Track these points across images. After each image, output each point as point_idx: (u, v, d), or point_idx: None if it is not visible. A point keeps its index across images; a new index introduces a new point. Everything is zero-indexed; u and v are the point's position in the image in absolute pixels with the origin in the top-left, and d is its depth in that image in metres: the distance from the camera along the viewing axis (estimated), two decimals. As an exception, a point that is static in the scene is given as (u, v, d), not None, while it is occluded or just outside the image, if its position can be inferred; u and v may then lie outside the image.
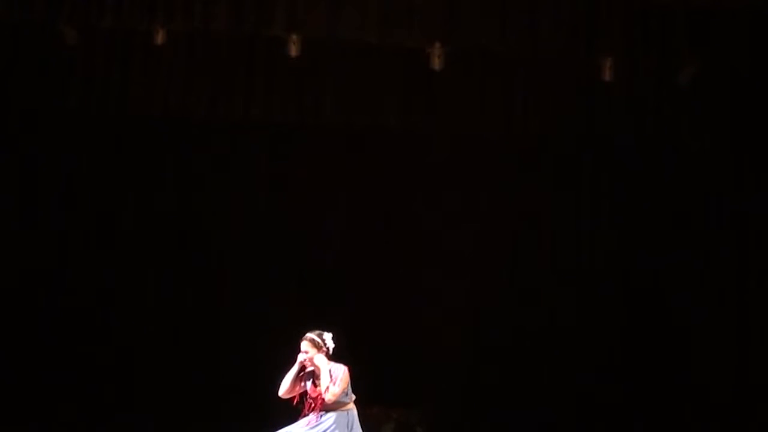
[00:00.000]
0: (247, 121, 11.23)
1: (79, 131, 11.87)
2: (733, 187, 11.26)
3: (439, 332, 11.97)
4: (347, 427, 7.07)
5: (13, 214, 11.59)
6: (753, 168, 11.07)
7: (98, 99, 10.88)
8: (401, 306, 12.04)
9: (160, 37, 10.09)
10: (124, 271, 12.00)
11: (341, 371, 7.03)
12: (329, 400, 6.98)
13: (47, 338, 11.60)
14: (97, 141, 12.01)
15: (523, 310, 11.98)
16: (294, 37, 10.07)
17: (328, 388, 6.97)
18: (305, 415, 7.09)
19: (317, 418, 7.02)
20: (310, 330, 7.18)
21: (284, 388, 7.11)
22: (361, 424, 7.20)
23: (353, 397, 7.16)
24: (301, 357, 7.08)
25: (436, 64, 10.24)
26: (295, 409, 7.21)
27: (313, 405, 7.07)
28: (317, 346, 7.06)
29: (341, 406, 7.06)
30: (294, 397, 7.17)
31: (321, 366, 7.02)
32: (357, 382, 7.29)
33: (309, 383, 7.11)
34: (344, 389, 7.02)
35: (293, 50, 10.17)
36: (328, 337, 7.15)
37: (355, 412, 7.15)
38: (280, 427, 7.10)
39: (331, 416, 7.02)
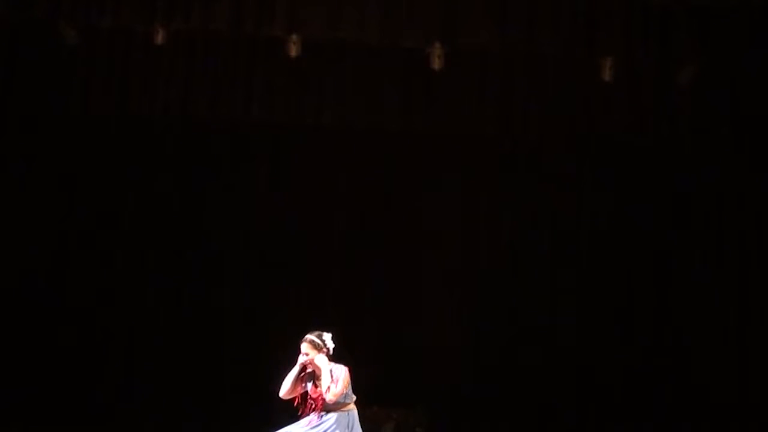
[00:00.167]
0: (247, 121, 11.24)
1: (79, 131, 11.87)
2: (733, 187, 11.25)
3: (439, 332, 11.97)
4: (347, 428, 7.06)
5: (12, 213, 11.58)
6: (753, 168, 11.07)
7: (98, 99, 10.89)
8: (401, 306, 12.05)
9: (160, 37, 10.09)
10: (124, 270, 12.00)
11: (342, 372, 7.03)
12: (330, 400, 6.98)
13: (47, 338, 11.60)
14: (97, 141, 12.01)
15: (523, 310, 11.98)
16: (294, 37, 10.08)
17: (329, 388, 6.96)
18: (306, 415, 7.09)
19: (318, 418, 7.02)
20: (310, 331, 7.17)
21: (285, 389, 7.10)
22: (361, 425, 7.20)
23: (354, 397, 7.16)
24: (301, 359, 7.07)
25: (436, 64, 10.25)
26: (295, 409, 7.20)
27: (313, 405, 7.07)
28: (317, 347, 7.05)
29: (342, 407, 7.05)
30: (295, 397, 7.16)
31: (322, 367, 7.02)
32: (357, 383, 7.28)
33: (310, 384, 7.10)
34: (345, 389, 7.02)
35: (293, 50, 10.18)
36: (327, 337, 7.15)
37: (355, 412, 7.15)
38: (281, 427, 7.09)
39: (331, 416, 7.02)
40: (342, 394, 6.99)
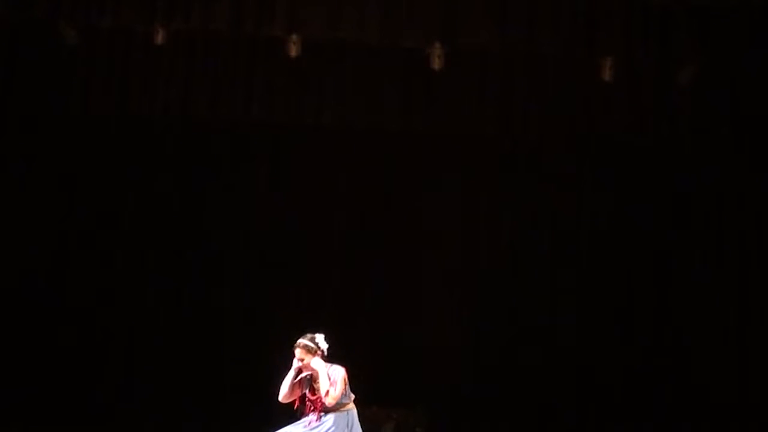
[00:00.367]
0: (247, 121, 11.23)
1: (79, 131, 11.87)
2: (733, 187, 11.25)
3: (439, 332, 11.97)
4: (347, 427, 7.05)
5: (12, 213, 11.58)
6: (753, 168, 11.07)
7: (98, 99, 10.89)
8: (401, 306, 12.05)
9: (160, 37, 10.09)
10: (124, 271, 12.01)
11: (339, 373, 6.99)
12: (330, 404, 6.95)
13: (47, 338, 11.60)
14: (97, 141, 12.01)
15: (523, 310, 11.98)
16: (294, 37, 10.08)
17: (328, 392, 6.93)
18: (305, 416, 7.08)
19: (317, 419, 7.01)
20: (301, 335, 7.11)
21: (283, 394, 7.08)
22: (360, 424, 7.19)
23: (352, 396, 7.14)
24: (296, 363, 7.02)
25: (436, 64, 10.24)
26: (295, 410, 7.19)
27: (312, 407, 7.05)
28: (311, 351, 7.00)
29: (341, 407, 7.04)
30: (294, 401, 7.14)
31: (319, 370, 6.98)
32: (357, 383, 7.28)
33: (307, 386, 7.08)
34: (343, 391, 7.00)
35: (293, 50, 10.18)
36: (320, 339, 7.09)
37: (354, 411, 7.14)
38: (280, 427, 7.09)
39: (331, 417, 7.01)
40: (341, 396, 6.97)
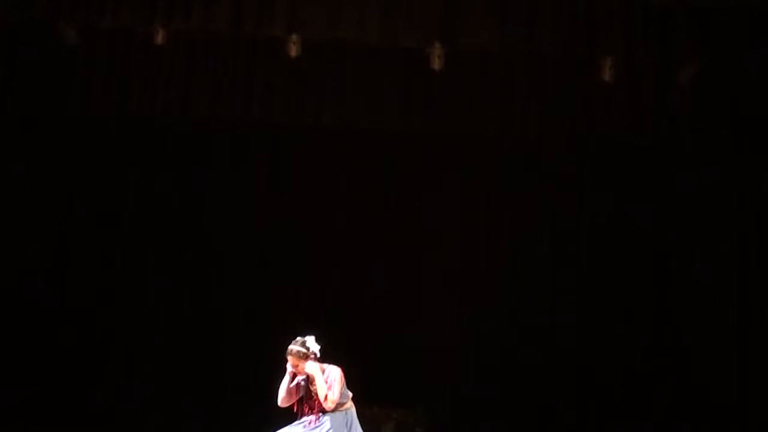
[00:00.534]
0: (247, 121, 11.23)
1: (79, 131, 11.87)
2: (733, 187, 11.25)
3: (439, 332, 11.97)
4: (346, 426, 7.04)
5: (12, 213, 11.58)
6: (753, 168, 11.07)
7: (98, 99, 10.88)
8: (401, 306, 12.05)
9: (160, 37, 10.09)
10: (124, 270, 12.00)
11: (335, 376, 6.92)
12: (330, 408, 6.91)
13: (47, 338, 11.60)
14: (97, 141, 12.01)
15: (523, 310, 11.98)
16: (294, 37, 10.07)
17: (326, 396, 6.89)
18: (305, 416, 7.07)
19: (316, 419, 7.00)
20: (291, 341, 6.98)
21: (281, 398, 7.05)
22: (360, 423, 7.18)
23: (350, 395, 7.11)
24: (290, 369, 6.97)
25: (436, 64, 10.24)
26: (295, 411, 7.19)
27: (310, 409, 7.03)
28: (304, 356, 6.92)
29: (339, 407, 7.02)
30: (293, 404, 7.11)
31: (314, 373, 6.91)
32: (357, 383, 7.27)
33: (304, 389, 7.04)
34: (341, 392, 6.97)
35: (293, 50, 10.17)
36: (310, 341, 6.99)
37: (353, 410, 7.11)
38: (280, 427, 7.09)
39: (329, 416, 7.00)
40: (339, 397, 6.95)
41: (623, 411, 11.61)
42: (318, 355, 7.00)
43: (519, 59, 10.66)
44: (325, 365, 7.02)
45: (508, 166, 12.18)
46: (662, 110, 10.80)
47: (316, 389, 6.95)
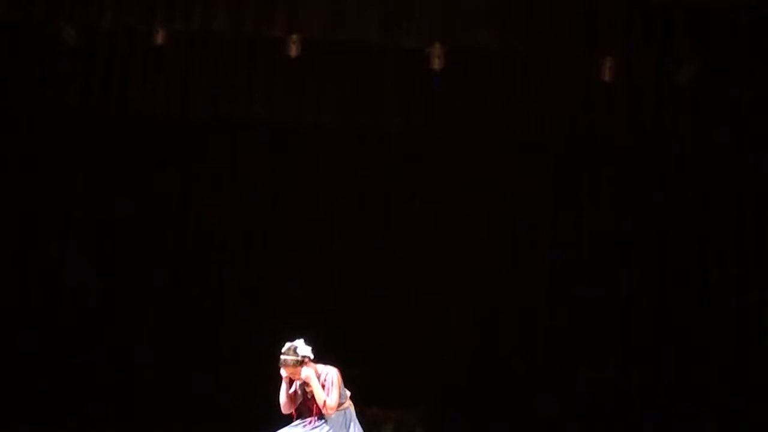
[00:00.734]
0: (247, 121, 11.23)
1: (79, 131, 11.87)
2: (733, 187, 11.25)
3: (439, 332, 11.97)
4: (345, 426, 7.02)
5: (12, 213, 11.58)
6: (753, 168, 11.07)
7: (98, 99, 10.88)
8: (401, 306, 12.05)
9: (160, 37, 10.08)
10: (124, 271, 12.00)
11: (332, 378, 6.86)
12: (329, 413, 6.88)
13: (47, 339, 11.60)
14: (97, 141, 12.01)
15: (523, 310, 11.98)
16: (294, 37, 10.06)
17: (325, 402, 6.84)
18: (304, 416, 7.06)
19: (316, 419, 6.99)
20: (281, 351, 6.82)
21: (283, 405, 7.01)
22: (359, 422, 7.16)
23: (348, 394, 7.07)
24: (285, 374, 6.92)
25: (436, 64, 10.24)
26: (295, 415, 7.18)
27: (309, 410, 7.01)
28: (297, 364, 6.81)
29: (338, 407, 7.01)
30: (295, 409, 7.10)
31: (311, 378, 6.84)
32: (357, 383, 7.26)
33: (302, 394, 7.02)
34: (339, 394, 6.94)
35: (293, 50, 10.16)
36: (301, 346, 6.85)
37: (352, 409, 7.08)
38: (280, 427, 7.08)
39: (329, 416, 6.99)
40: (337, 400, 6.92)
41: (623, 411, 11.60)
42: (311, 357, 6.88)
43: (519, 59, 10.66)
44: (321, 367, 6.93)
45: (509, 166, 12.17)
46: (662, 110, 10.80)
47: (312, 392, 6.92)
